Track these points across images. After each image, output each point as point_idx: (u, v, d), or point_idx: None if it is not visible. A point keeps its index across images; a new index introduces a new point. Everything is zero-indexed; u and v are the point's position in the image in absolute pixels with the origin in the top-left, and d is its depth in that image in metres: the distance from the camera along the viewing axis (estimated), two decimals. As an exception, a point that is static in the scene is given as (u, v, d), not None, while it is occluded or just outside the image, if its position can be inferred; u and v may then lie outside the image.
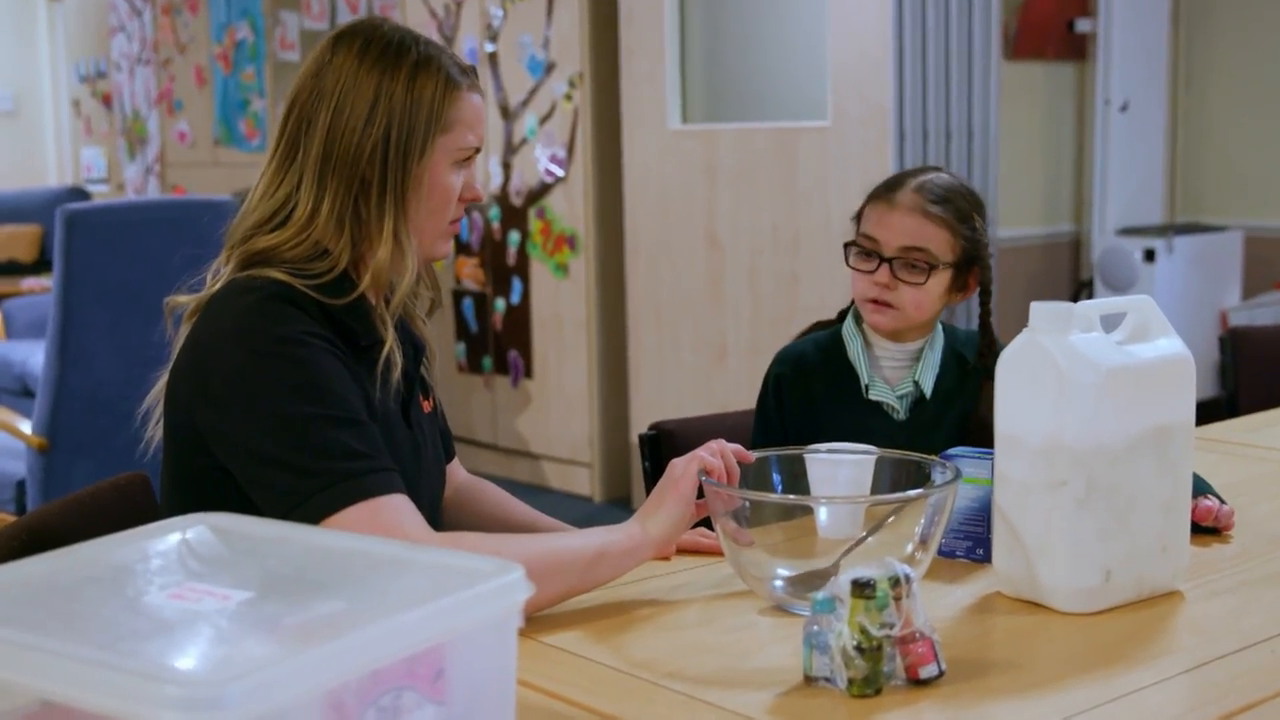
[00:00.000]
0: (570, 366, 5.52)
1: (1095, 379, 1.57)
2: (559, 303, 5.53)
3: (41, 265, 7.43)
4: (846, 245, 2.21)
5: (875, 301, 2.17)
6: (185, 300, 1.77)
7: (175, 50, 7.87)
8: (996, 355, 2.15)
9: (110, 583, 1.16)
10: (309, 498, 1.57)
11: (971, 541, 1.79)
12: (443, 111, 1.74)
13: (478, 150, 1.80)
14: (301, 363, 1.63)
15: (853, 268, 2.19)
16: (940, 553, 1.79)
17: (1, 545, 1.62)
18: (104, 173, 8.70)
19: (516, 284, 5.68)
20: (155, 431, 1.79)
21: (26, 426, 3.75)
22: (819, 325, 2.36)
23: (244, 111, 7.42)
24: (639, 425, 5.29)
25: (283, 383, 1.62)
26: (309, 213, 1.72)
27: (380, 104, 1.72)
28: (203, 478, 1.68)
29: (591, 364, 5.46)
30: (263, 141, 7.30)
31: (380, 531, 1.55)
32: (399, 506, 1.59)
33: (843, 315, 2.32)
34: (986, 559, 1.75)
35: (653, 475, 2.30)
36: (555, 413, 5.62)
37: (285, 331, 1.64)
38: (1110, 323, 1.65)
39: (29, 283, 6.81)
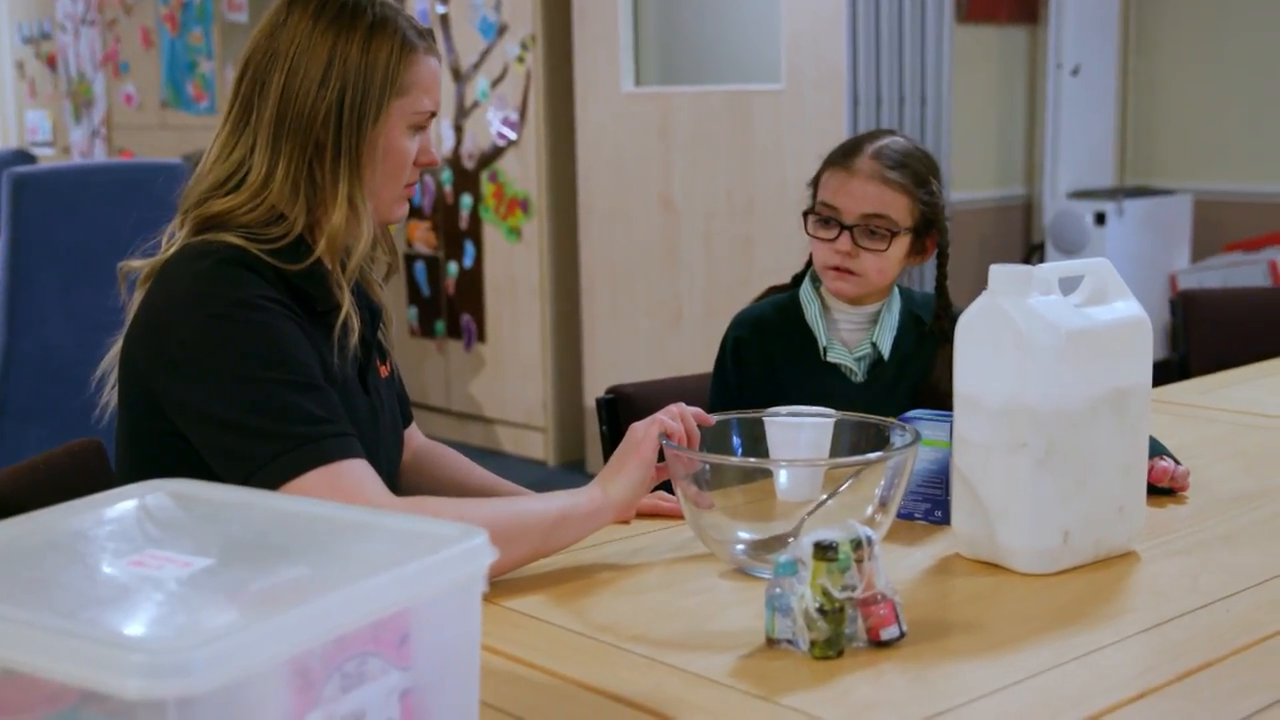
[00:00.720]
0: (524, 330, 5.51)
1: (1055, 341, 1.57)
2: (512, 266, 5.51)
3: (-13, 229, 7.33)
4: (805, 213, 2.21)
5: (837, 269, 2.17)
6: (139, 265, 1.74)
7: (121, 11, 7.77)
8: (952, 319, 2.20)
9: (69, 550, 1.15)
10: (267, 463, 1.56)
11: (930, 504, 1.80)
12: (398, 75, 1.72)
13: (434, 114, 1.79)
14: (258, 326, 1.62)
15: (812, 236, 2.19)
16: (899, 515, 1.79)
17: (-45, 513, 1.60)
18: (49, 135, 8.59)
19: (469, 247, 5.66)
20: (110, 397, 1.77)
21: (-26, 393, 3.71)
22: (774, 290, 2.36)
23: (192, 73, 7.34)
24: (593, 389, 5.29)
25: (239, 347, 1.60)
26: (263, 176, 1.70)
27: (335, 66, 1.70)
28: (159, 443, 1.66)
29: (545, 328, 5.45)
30: (211, 104, 7.23)
31: (340, 496, 1.54)
32: (358, 471, 1.58)
33: (797, 280, 2.33)
34: (945, 521, 1.76)
35: (610, 439, 2.30)
36: (509, 377, 5.60)
37: (241, 295, 1.62)
38: (1068, 285, 1.65)
39: (-26, 247, 6.72)
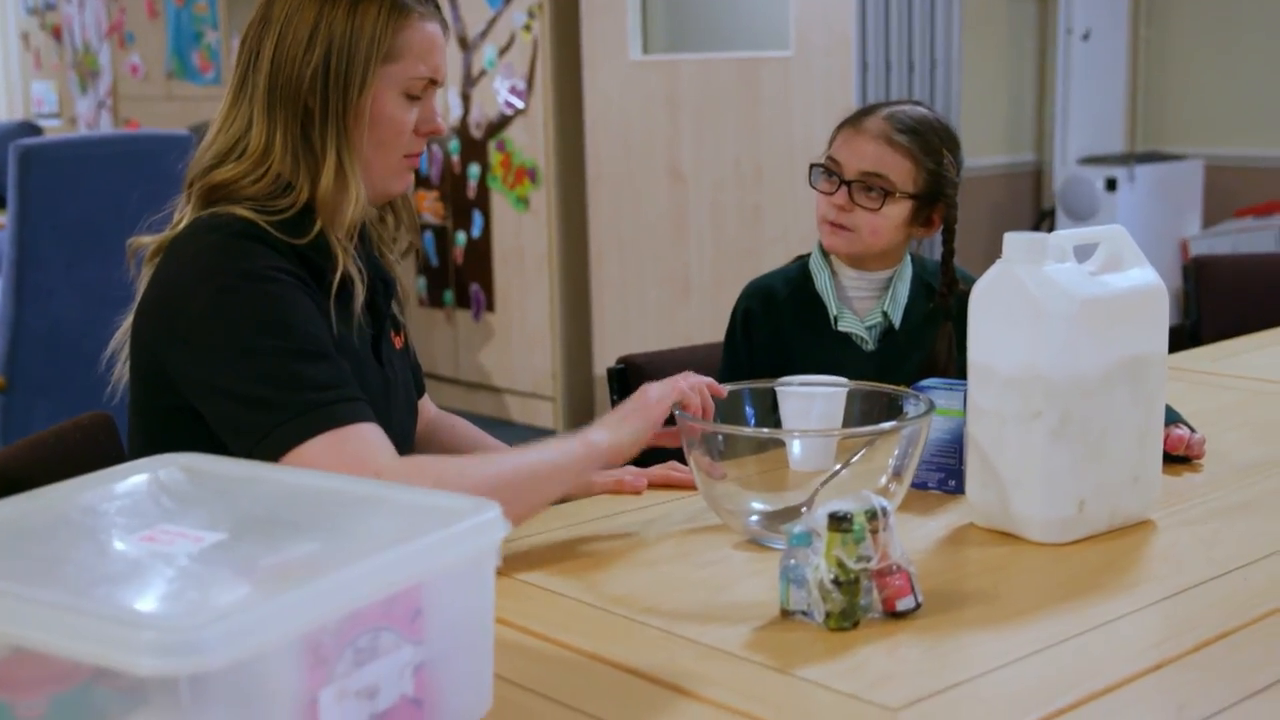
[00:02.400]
0: (532, 300, 5.50)
1: (1070, 309, 1.56)
2: (520, 236, 5.50)
3: (-6, 202, 7.32)
4: (812, 166, 2.21)
5: (832, 224, 2.17)
6: (148, 241, 1.73)
7: (126, -19, 7.75)
8: (956, 296, 2.19)
9: (80, 526, 1.14)
10: (275, 428, 1.55)
11: (944, 473, 1.79)
12: (385, 40, 1.68)
13: (434, 82, 1.75)
14: (268, 298, 1.61)
15: (814, 188, 2.20)
16: (912, 485, 1.79)
17: (-35, 487, 1.60)
18: (55, 107, 8.56)
19: (477, 217, 5.64)
20: (121, 374, 1.76)
21: (-17, 365, 3.71)
22: (800, 259, 2.36)
23: (197, 44, 7.31)
24: (602, 359, 5.29)
25: (249, 318, 1.59)
26: (263, 146, 1.69)
27: (320, 31, 1.67)
28: (170, 418, 1.66)
29: (553, 297, 5.44)
30: (217, 75, 7.20)
31: (349, 459, 1.53)
32: (367, 435, 1.57)
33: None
34: (959, 490, 1.75)
35: (621, 409, 2.28)
36: (517, 346, 5.59)
37: (251, 267, 1.61)
38: (1083, 253, 1.64)
39: (-18, 219, 6.72)
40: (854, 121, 2.20)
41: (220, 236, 1.63)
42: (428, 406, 2.05)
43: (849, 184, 2.15)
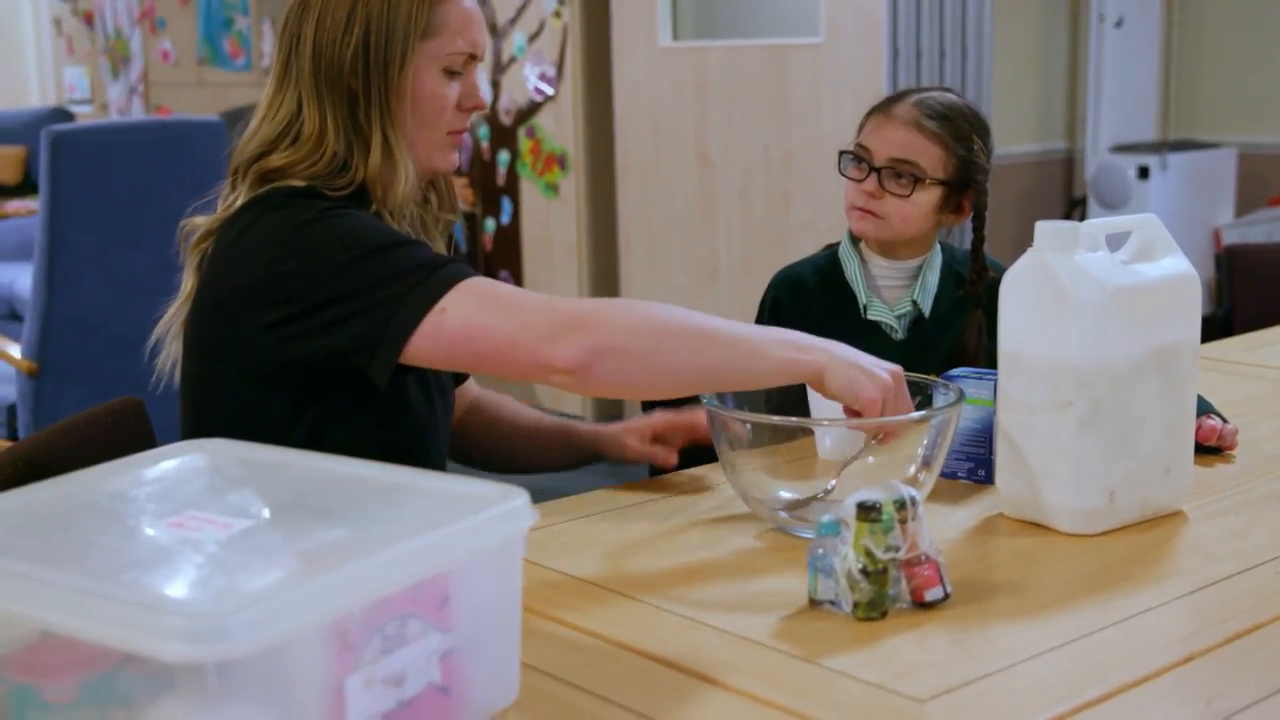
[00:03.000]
0: (561, 286, 5.50)
1: (1101, 298, 1.55)
2: (549, 222, 5.50)
3: (26, 187, 7.35)
4: (842, 153, 2.20)
5: (861, 209, 2.16)
6: (201, 222, 1.74)
7: (157, -33, 7.77)
8: (986, 283, 2.19)
9: (109, 511, 1.14)
10: (403, 300, 1.55)
11: (973, 463, 1.78)
12: (422, 16, 1.69)
13: (474, 57, 1.76)
14: (348, 217, 1.64)
15: (844, 174, 2.19)
16: (941, 474, 1.78)
17: (-3, 472, 1.61)
18: (87, 93, 8.60)
19: (506, 204, 5.64)
20: (166, 361, 1.78)
21: (14, 350, 3.73)
22: (829, 248, 2.35)
23: (228, 30, 7.33)
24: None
25: (337, 237, 1.61)
26: (317, 130, 1.70)
27: (358, 11, 1.68)
28: (238, 392, 1.66)
29: (582, 284, 5.43)
30: (248, 61, 7.22)
31: (501, 296, 1.56)
32: (490, 281, 1.59)
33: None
34: (988, 480, 1.74)
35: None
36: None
37: (324, 205, 1.65)
38: (1115, 242, 1.63)
39: (14, 205, 6.74)
40: (883, 108, 2.19)
41: (283, 195, 1.66)
42: (471, 386, 2.05)
43: (879, 170, 2.14)
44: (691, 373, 1.57)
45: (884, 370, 1.58)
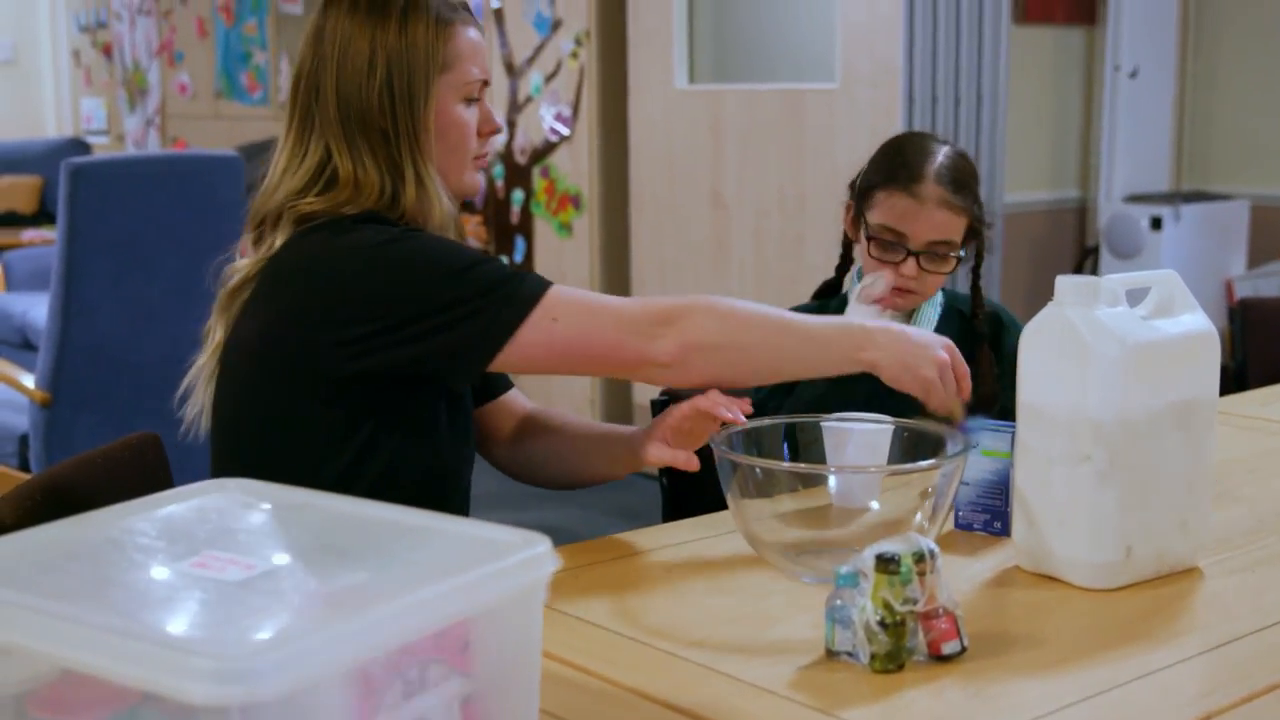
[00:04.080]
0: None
1: (1120, 353, 1.55)
2: (563, 262, 5.51)
3: (42, 216, 7.38)
4: (870, 238, 2.18)
5: (899, 290, 2.17)
6: (243, 266, 1.78)
7: (177, 1, 7.81)
8: (988, 318, 2.25)
9: (132, 550, 1.15)
10: (490, 322, 1.65)
11: (989, 515, 1.78)
12: (438, 50, 1.77)
13: (486, 83, 1.83)
14: (417, 239, 1.71)
15: (876, 258, 2.17)
16: (957, 525, 1.79)
17: (16, 505, 1.61)
18: (104, 124, 8.65)
19: (520, 243, 5.66)
20: (197, 409, 1.82)
21: (28, 379, 3.74)
22: (826, 284, 2.37)
23: (246, 64, 7.37)
24: (642, 386, 5.28)
25: (424, 252, 1.69)
26: (353, 173, 1.75)
27: (377, 55, 1.75)
28: (297, 412, 1.72)
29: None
30: (264, 95, 7.26)
31: (589, 301, 1.71)
32: (573, 289, 1.71)
33: (840, 269, 2.35)
34: (1004, 532, 1.74)
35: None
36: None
37: (398, 228, 1.72)
38: (1135, 297, 1.63)
39: (29, 234, 6.78)
40: (908, 189, 2.15)
41: (354, 222, 1.72)
42: (520, 403, 2.05)
43: (916, 254, 2.15)
44: (771, 360, 1.75)
45: (938, 348, 1.71)
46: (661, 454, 1.80)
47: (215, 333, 1.80)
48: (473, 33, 1.81)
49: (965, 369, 1.72)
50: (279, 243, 1.74)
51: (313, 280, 1.71)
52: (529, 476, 2.01)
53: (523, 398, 2.08)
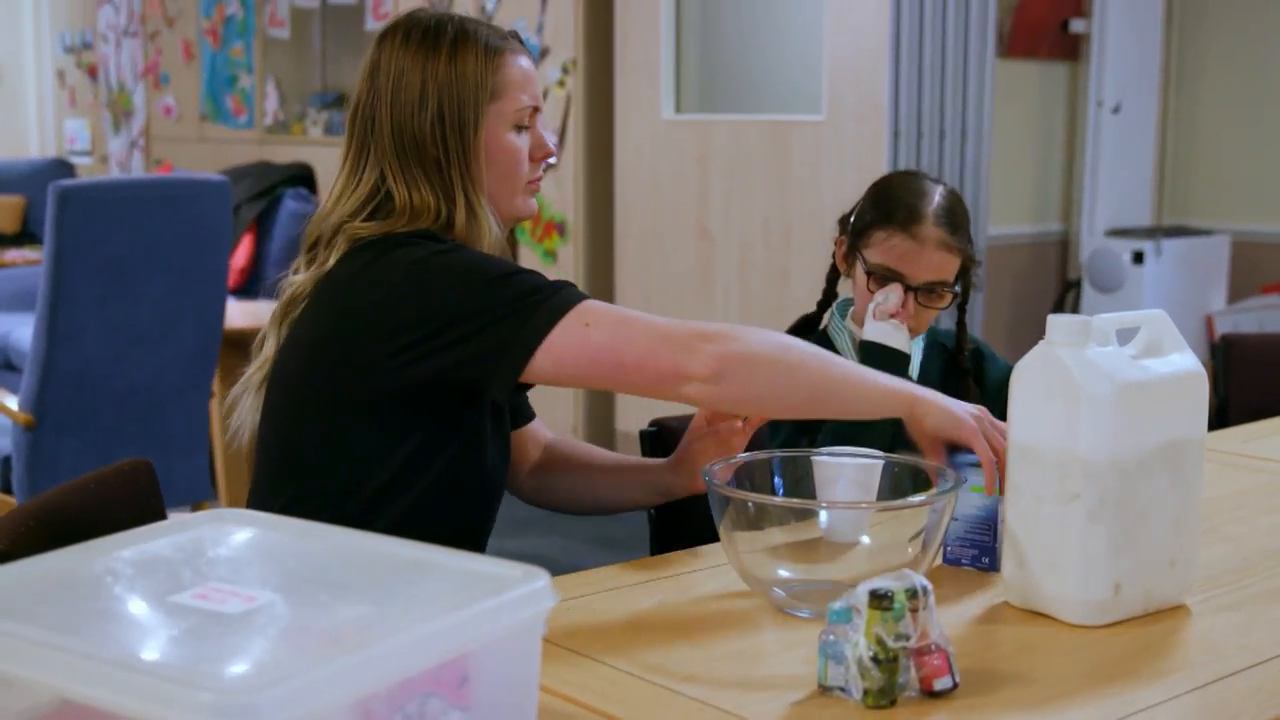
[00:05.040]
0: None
1: (1111, 392, 1.57)
2: (547, 289, 5.51)
3: (25, 237, 7.37)
4: (870, 273, 2.21)
5: None
6: (300, 280, 1.83)
7: (163, 23, 7.82)
8: (973, 353, 2.29)
9: (132, 580, 1.15)
10: (530, 315, 1.67)
11: (978, 550, 1.79)
12: (487, 80, 1.82)
13: (537, 109, 1.88)
14: (460, 252, 1.76)
15: (874, 294, 2.20)
16: (946, 560, 1.80)
17: (9, 532, 1.61)
18: (88, 145, 8.64)
19: (504, 269, 5.66)
20: (240, 421, 1.88)
21: (11, 401, 3.73)
22: (805, 318, 2.38)
23: (231, 87, 7.38)
24: (625, 415, 5.29)
25: (463, 264, 1.73)
26: (408, 198, 1.80)
27: (429, 86, 1.81)
28: (346, 425, 1.76)
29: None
30: (250, 118, 7.26)
31: (625, 315, 1.70)
32: (603, 304, 1.71)
33: (821, 305, 2.36)
34: (993, 568, 1.75)
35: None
36: (540, 401, 5.57)
37: (442, 245, 1.76)
38: (1123, 336, 1.65)
39: (11, 254, 6.76)
40: (908, 230, 2.19)
41: (406, 238, 1.77)
42: (542, 430, 2.11)
43: (914, 290, 2.19)
44: (810, 390, 1.71)
45: (970, 407, 1.73)
46: (693, 483, 1.90)
47: (267, 345, 1.85)
48: (523, 61, 1.86)
49: (1002, 429, 1.71)
50: (333, 260, 1.79)
51: (363, 293, 1.75)
52: (553, 504, 2.08)
53: (544, 428, 2.10)
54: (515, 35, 1.89)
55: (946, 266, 2.20)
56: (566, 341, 1.67)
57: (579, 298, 1.70)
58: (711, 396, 1.70)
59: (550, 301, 1.69)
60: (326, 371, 1.77)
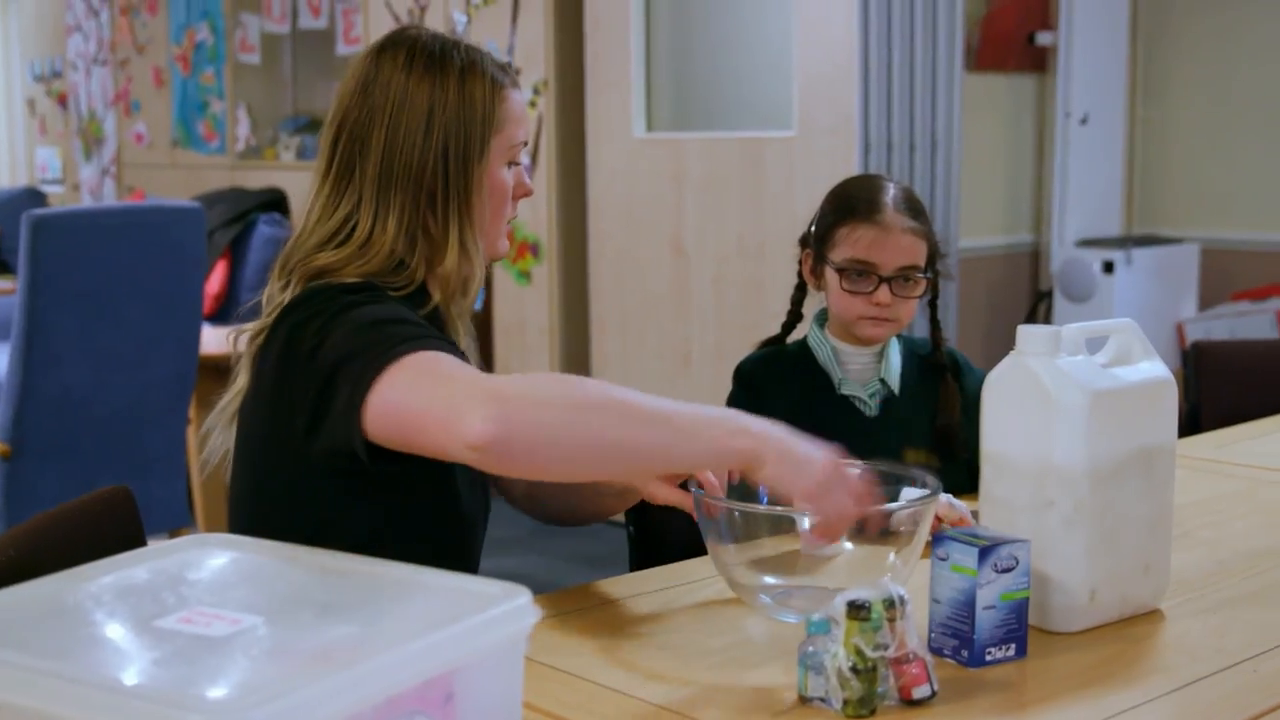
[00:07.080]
0: (533, 371, 5.51)
1: (1082, 401, 1.59)
2: (522, 309, 5.53)
3: (-4, 265, 7.34)
4: (841, 270, 2.22)
5: (874, 319, 2.23)
6: (249, 328, 1.74)
7: (133, 50, 7.81)
8: (948, 352, 2.32)
9: (117, 605, 1.16)
10: (369, 364, 1.52)
11: (958, 641, 1.53)
12: (493, 112, 1.74)
13: (526, 144, 1.82)
14: (387, 302, 1.65)
15: (848, 290, 2.21)
16: (931, 648, 1.65)
17: (-10, 560, 1.61)
18: (59, 173, 8.62)
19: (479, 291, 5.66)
20: (214, 452, 1.80)
21: (-12, 431, 3.72)
22: (769, 342, 2.40)
23: (203, 113, 7.38)
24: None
25: (364, 313, 1.60)
26: (369, 229, 1.71)
27: (435, 114, 1.72)
28: (298, 488, 1.68)
29: (554, 369, 5.46)
30: (222, 144, 7.26)
31: (435, 371, 1.51)
32: (452, 358, 1.55)
33: (786, 327, 2.38)
34: (972, 664, 1.52)
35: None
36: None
37: (371, 292, 1.65)
38: (1093, 345, 1.67)
39: (-16, 283, 6.73)
40: (872, 219, 2.22)
41: (337, 292, 1.66)
42: None
43: (888, 280, 2.20)
44: (613, 449, 1.50)
45: (829, 456, 1.55)
46: (669, 495, 1.75)
47: (240, 377, 1.74)
48: (519, 95, 1.80)
49: (852, 496, 1.55)
50: (288, 298, 1.69)
51: (276, 364, 1.66)
52: (543, 515, 1.98)
53: None
54: (511, 68, 1.83)
55: (915, 250, 2.23)
56: (382, 398, 1.51)
57: (413, 349, 1.53)
58: (495, 466, 1.49)
59: (386, 354, 1.53)
60: (271, 434, 1.68)
